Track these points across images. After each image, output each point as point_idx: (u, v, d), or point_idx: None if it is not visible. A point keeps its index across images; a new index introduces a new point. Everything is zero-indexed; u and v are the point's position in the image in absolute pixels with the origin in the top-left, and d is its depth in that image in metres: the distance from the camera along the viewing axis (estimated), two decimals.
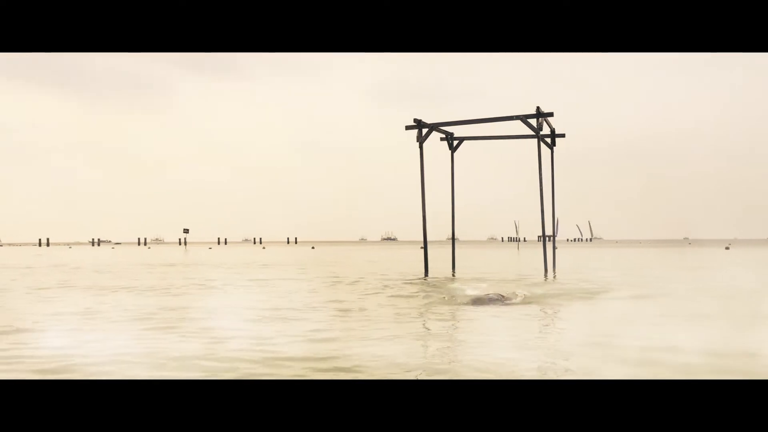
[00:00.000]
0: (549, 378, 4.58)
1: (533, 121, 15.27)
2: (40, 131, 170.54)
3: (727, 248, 47.25)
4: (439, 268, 18.46)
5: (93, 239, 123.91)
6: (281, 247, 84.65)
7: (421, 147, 16.28)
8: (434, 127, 16.51)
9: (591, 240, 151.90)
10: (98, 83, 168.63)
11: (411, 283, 13.92)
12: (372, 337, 6.45)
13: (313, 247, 74.21)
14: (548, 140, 17.28)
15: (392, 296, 10.85)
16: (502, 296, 9.73)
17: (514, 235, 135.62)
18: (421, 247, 17.90)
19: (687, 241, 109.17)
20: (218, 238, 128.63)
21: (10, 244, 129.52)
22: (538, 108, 15.30)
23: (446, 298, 10.13)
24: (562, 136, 17.57)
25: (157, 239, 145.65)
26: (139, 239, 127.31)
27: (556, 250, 19.79)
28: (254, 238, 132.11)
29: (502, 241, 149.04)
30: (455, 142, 17.79)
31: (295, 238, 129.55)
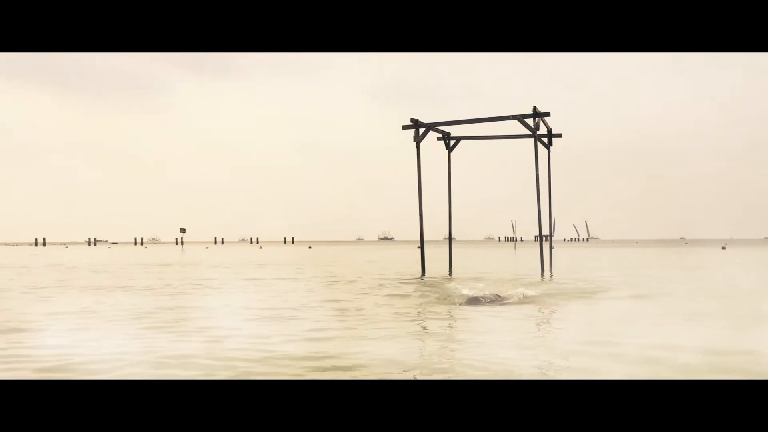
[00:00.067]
0: (546, 378, 4.58)
1: (530, 121, 15.26)
2: (40, 131, 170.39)
3: (723, 248, 47.43)
4: (436, 268, 18.47)
5: (89, 239, 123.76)
6: (278, 246, 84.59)
7: (418, 147, 16.25)
8: (431, 126, 16.49)
9: (588, 240, 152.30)
10: (98, 83, 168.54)
11: (408, 282, 13.91)
12: (369, 336, 6.44)
13: (310, 247, 74.22)
14: (545, 140, 17.31)
15: (389, 296, 10.84)
16: (499, 296, 9.73)
17: (511, 235, 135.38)
18: (418, 247, 17.89)
19: (683, 241, 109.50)
20: (215, 238, 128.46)
21: (6, 244, 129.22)
22: (534, 108, 15.29)
23: (443, 298, 10.12)
24: (559, 135, 17.59)
25: (153, 239, 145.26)
26: (135, 239, 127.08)
27: (553, 250, 19.82)
28: (251, 238, 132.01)
29: (499, 240, 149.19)
30: (452, 142, 17.78)
31: (292, 238, 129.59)
